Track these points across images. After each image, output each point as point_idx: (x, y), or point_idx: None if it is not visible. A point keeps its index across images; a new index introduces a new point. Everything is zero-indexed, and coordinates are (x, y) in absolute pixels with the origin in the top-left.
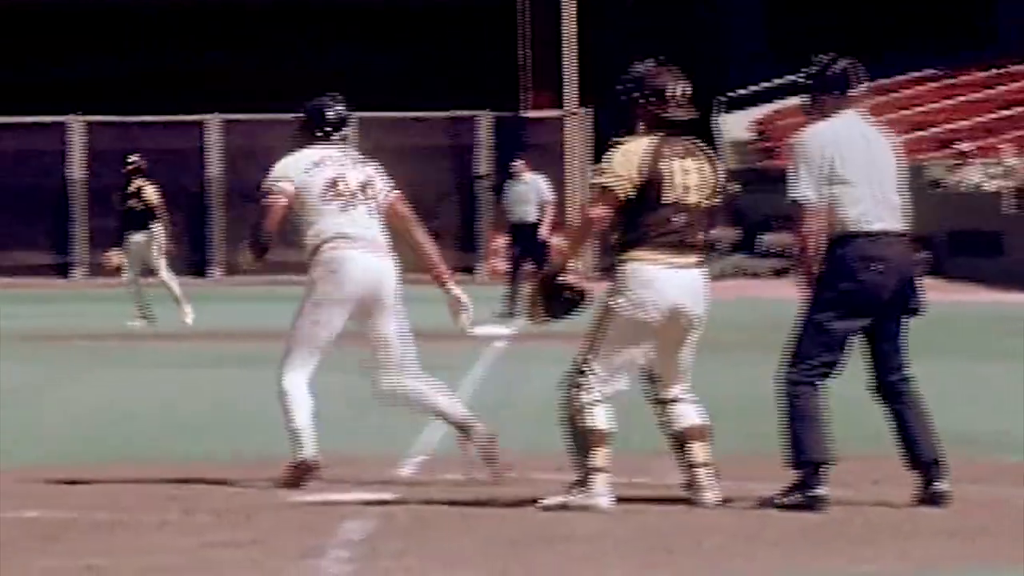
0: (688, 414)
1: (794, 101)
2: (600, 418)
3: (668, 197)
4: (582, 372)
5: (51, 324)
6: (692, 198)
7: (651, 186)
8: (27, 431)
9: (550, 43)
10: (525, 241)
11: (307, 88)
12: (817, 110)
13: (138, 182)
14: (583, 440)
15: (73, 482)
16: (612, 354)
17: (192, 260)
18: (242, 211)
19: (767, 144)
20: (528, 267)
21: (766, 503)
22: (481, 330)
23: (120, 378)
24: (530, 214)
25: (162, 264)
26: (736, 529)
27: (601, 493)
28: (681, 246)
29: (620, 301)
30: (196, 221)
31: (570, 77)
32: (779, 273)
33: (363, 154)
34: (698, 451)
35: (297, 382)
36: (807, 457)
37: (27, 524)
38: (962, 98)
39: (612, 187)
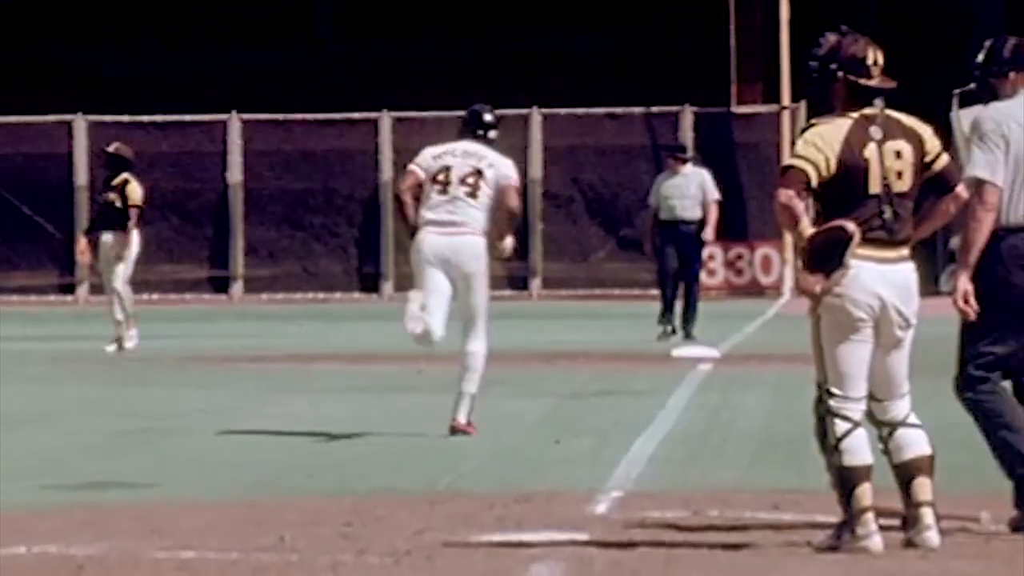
0: (912, 442)
1: None
2: (856, 452)
3: (874, 187)
4: (821, 398)
5: (215, 344)
6: (901, 185)
7: (853, 175)
8: (204, 459)
9: (761, 29)
10: (679, 241)
11: (484, 76)
12: (988, 93)
13: (125, 175)
14: (843, 479)
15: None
16: (839, 366)
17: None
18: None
19: None
20: (679, 278)
21: (1018, 527)
22: (683, 352)
23: (295, 403)
24: (688, 209)
25: (122, 274)
26: None
27: (870, 534)
28: (889, 240)
29: (826, 302)
30: (370, 229)
31: (784, 68)
32: None
33: (546, 151)
34: (922, 486)
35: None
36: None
37: (184, 565)
38: None
39: (803, 168)
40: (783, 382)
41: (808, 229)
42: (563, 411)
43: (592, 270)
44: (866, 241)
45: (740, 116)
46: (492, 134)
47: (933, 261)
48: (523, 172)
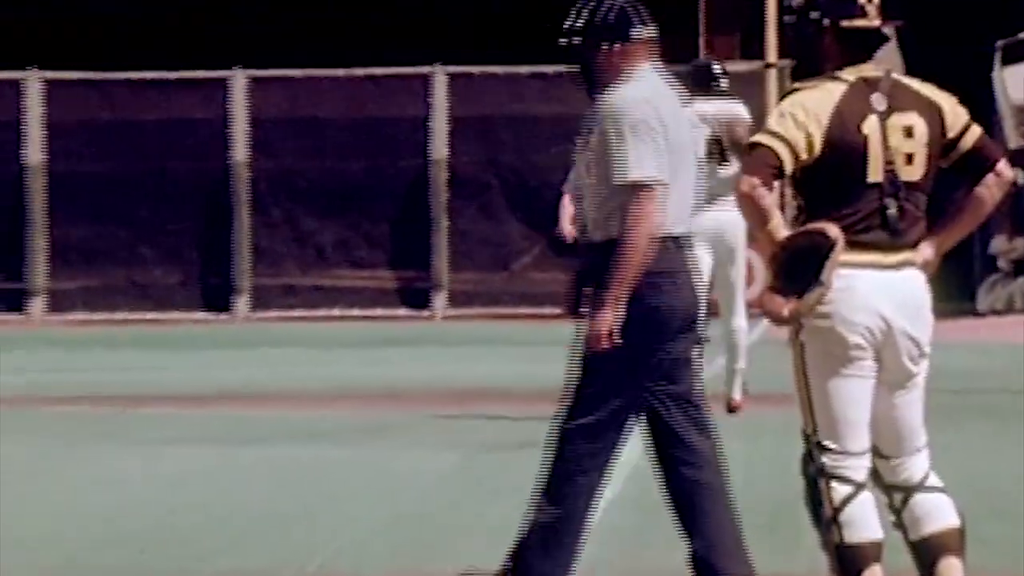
0: (933, 511)
1: None
2: (860, 525)
3: (874, 173)
4: (811, 454)
5: (7, 381)
6: (911, 172)
7: (847, 157)
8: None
9: None
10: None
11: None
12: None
13: None
14: (844, 561)
15: None
16: (832, 411)
17: (210, 285)
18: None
19: None
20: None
21: None
22: None
23: (119, 459)
24: None
25: None
26: None
27: None
28: (892, 241)
29: (811, 323)
30: (218, 227)
31: (770, 13)
32: None
33: (452, 124)
34: (950, 569)
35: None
36: None
37: None
38: None
39: (773, 148)
40: (767, 429)
41: (780, 231)
42: (475, 467)
43: (514, 281)
44: (861, 245)
45: None
46: (724, 83)
47: (967, 269)
48: (421, 150)
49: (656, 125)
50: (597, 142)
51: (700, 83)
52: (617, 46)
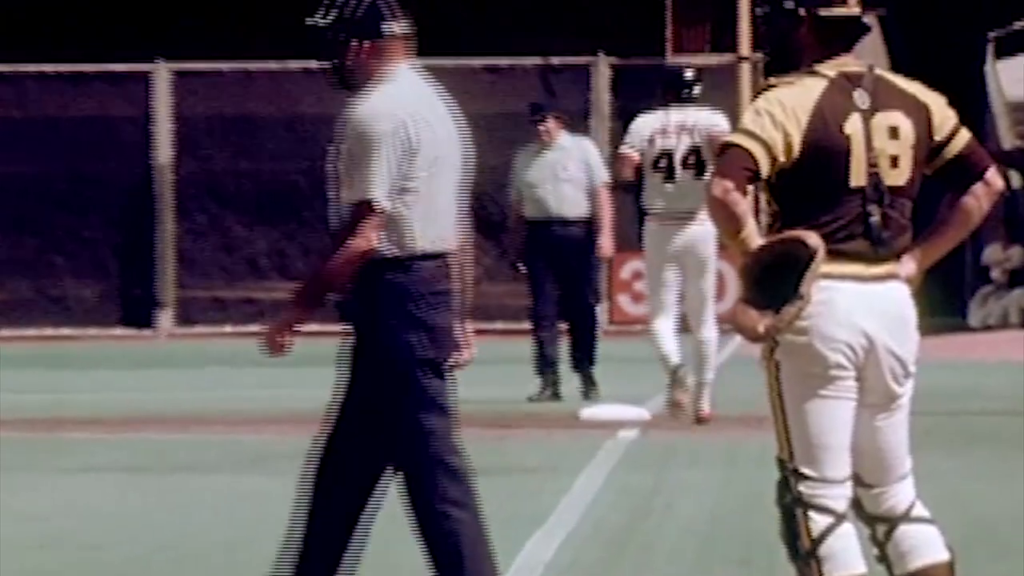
0: (921, 544)
1: None
2: (841, 559)
3: (857, 177)
4: (787, 482)
5: None
6: (896, 176)
7: (827, 160)
8: None
9: None
10: (556, 252)
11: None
12: None
13: None
14: None
15: None
16: (809, 436)
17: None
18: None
19: None
20: (557, 310)
21: None
22: (596, 412)
23: (31, 491)
24: (566, 200)
25: None
26: None
27: None
28: (875, 251)
29: (788, 340)
30: (139, 233)
31: (741, 6)
32: None
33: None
34: None
35: (661, 327)
36: None
37: None
38: None
39: (748, 150)
40: (741, 455)
41: (754, 239)
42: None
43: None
44: (841, 255)
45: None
46: (696, 91)
47: (958, 281)
48: None
49: (401, 140)
50: (344, 152)
51: (671, 91)
52: (367, 43)
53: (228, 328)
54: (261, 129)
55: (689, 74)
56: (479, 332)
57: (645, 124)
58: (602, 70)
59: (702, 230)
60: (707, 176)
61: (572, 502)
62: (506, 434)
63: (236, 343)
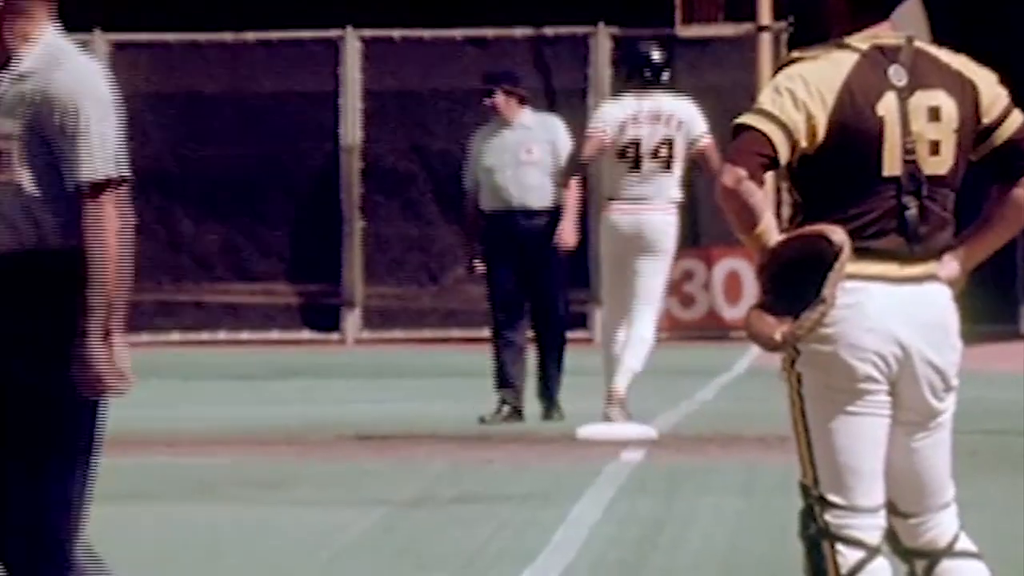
0: None
1: None
2: None
3: (891, 165)
4: (812, 511)
5: None
6: (937, 164)
7: (857, 144)
8: None
9: None
10: (517, 246)
11: None
12: None
13: None
14: None
15: None
16: (836, 458)
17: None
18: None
19: None
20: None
21: None
22: (596, 432)
23: None
24: (529, 187)
25: None
26: None
27: None
28: (911, 249)
29: (810, 349)
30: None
31: None
32: None
33: (368, 100)
34: None
35: (621, 338)
36: None
37: None
38: None
39: (765, 133)
40: (760, 480)
41: (771, 235)
42: (401, 526)
43: (445, 297)
44: (872, 253)
45: (689, 42)
46: (665, 76)
47: (1008, 284)
48: (329, 133)
49: None
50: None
51: (636, 75)
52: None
53: (174, 336)
54: (211, 109)
55: (657, 56)
56: (466, 341)
57: (617, 109)
58: (602, 42)
59: (661, 219)
60: (675, 170)
61: (567, 535)
62: (491, 457)
63: (183, 353)
